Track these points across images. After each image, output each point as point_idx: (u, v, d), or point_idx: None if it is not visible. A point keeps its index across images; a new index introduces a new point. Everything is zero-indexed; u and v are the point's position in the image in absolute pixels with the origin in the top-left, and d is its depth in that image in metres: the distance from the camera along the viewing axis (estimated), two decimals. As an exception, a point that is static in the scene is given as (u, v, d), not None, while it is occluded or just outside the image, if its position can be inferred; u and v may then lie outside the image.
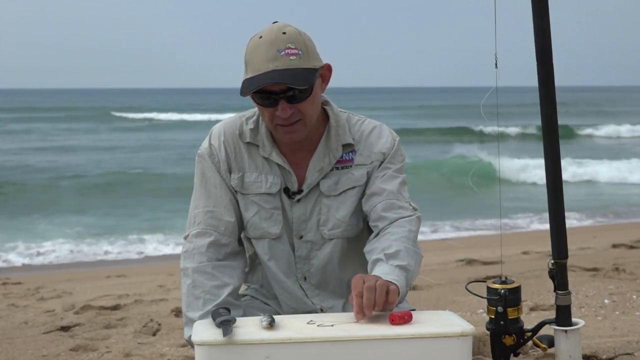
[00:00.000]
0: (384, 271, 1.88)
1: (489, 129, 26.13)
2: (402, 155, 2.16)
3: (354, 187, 2.11)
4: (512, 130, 27.58)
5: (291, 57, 1.91)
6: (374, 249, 1.99)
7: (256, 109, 2.14)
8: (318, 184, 2.10)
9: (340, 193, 2.11)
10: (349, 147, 2.12)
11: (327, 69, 2.04)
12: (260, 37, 1.95)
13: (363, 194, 2.12)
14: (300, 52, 1.93)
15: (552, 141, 2.20)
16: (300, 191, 2.10)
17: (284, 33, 1.93)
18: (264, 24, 2.02)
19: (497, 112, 2.21)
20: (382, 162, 2.11)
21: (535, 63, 2.17)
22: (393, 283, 1.81)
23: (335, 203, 2.11)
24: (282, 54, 1.90)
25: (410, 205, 2.10)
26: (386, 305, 1.75)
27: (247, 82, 1.94)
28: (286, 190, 2.10)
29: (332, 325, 1.72)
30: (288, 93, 1.93)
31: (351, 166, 2.11)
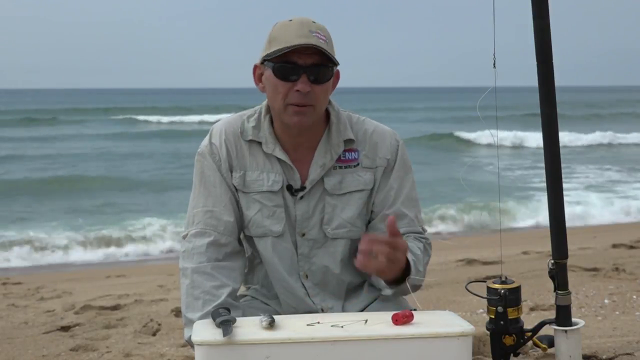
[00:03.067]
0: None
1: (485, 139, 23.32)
2: (409, 160, 2.19)
3: (362, 190, 2.12)
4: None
5: (321, 40, 1.97)
6: None
7: (256, 107, 2.15)
8: (322, 182, 2.11)
9: (345, 193, 2.11)
10: (350, 144, 2.12)
11: (337, 74, 2.09)
12: (290, 20, 2.02)
13: (370, 197, 2.14)
14: (327, 41, 2.00)
15: (552, 141, 2.20)
16: (303, 188, 2.11)
17: (314, 22, 2.01)
18: (270, 24, 2.10)
19: (496, 113, 2.21)
20: (386, 168, 2.13)
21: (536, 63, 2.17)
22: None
23: (340, 203, 2.11)
24: (313, 34, 1.96)
25: (424, 230, 2.20)
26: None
27: (275, 52, 1.97)
28: (289, 188, 2.11)
29: (332, 325, 1.72)
30: (311, 69, 1.97)
31: (356, 166, 2.12)
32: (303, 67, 1.96)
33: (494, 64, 2.13)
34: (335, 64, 2.02)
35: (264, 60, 2.03)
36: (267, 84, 2.04)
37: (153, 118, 38.78)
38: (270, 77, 2.01)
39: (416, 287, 2.05)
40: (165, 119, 38.49)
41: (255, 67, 2.08)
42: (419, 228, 2.17)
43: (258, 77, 2.08)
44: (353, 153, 2.12)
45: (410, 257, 1.97)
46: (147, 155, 21.48)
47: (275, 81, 2.00)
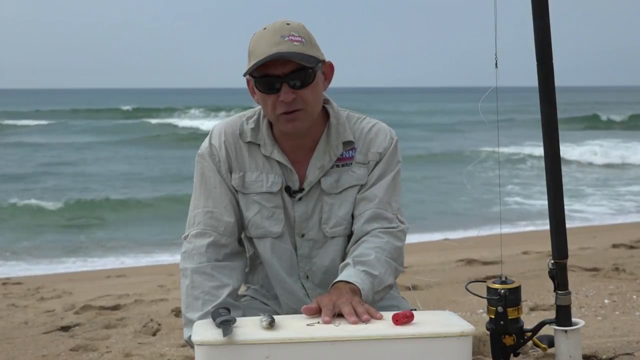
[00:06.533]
0: (348, 274, 1.92)
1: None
2: (399, 157, 2.16)
3: (355, 186, 2.11)
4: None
5: (295, 43, 1.94)
6: (348, 256, 2.04)
7: (256, 108, 2.15)
8: (319, 182, 2.10)
9: (342, 191, 2.11)
10: (349, 145, 2.12)
11: (330, 67, 2.07)
12: (264, 28, 1.99)
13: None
14: (303, 40, 1.96)
15: (552, 141, 2.20)
16: (301, 189, 2.11)
17: (288, 24, 1.98)
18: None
19: (497, 114, 2.21)
20: (377, 162, 2.12)
21: (536, 63, 2.17)
22: (352, 284, 1.86)
23: (337, 201, 2.11)
24: (285, 39, 1.94)
25: (397, 218, 2.11)
26: (363, 312, 1.76)
27: (252, 67, 1.96)
28: (287, 189, 2.11)
29: (332, 325, 1.72)
30: (290, 77, 1.94)
31: (351, 164, 2.11)
32: (281, 76, 1.95)
33: (496, 63, 2.13)
34: (317, 61, 1.99)
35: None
36: (258, 97, 2.04)
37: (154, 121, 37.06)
38: (257, 91, 2.02)
39: (388, 288, 2.01)
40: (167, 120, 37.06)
41: (248, 80, 2.07)
42: (388, 213, 2.08)
43: (252, 90, 2.07)
44: (350, 151, 2.12)
45: (358, 270, 1.92)
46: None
47: (261, 95, 2.01)
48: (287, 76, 1.94)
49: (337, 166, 2.11)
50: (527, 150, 20.90)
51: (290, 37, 1.94)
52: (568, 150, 19.53)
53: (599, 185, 14.65)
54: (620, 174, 16.90)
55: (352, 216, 2.13)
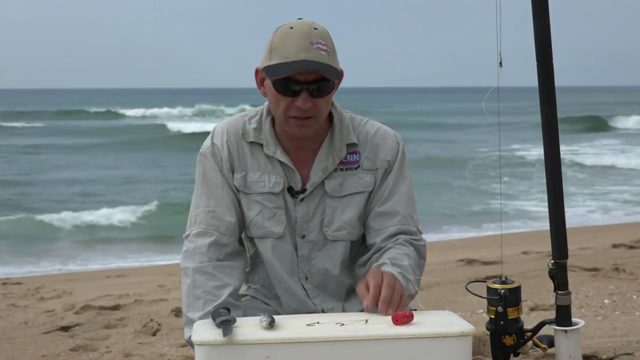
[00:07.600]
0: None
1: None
2: (408, 164, 2.17)
3: (362, 192, 2.11)
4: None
5: (322, 52, 1.94)
6: (379, 258, 2.05)
7: (258, 108, 2.15)
8: (322, 184, 2.10)
9: (346, 195, 2.11)
10: (353, 147, 2.12)
11: (340, 75, 2.06)
12: (291, 27, 1.97)
13: (369, 198, 2.13)
14: (329, 50, 1.97)
15: (552, 141, 2.20)
16: (303, 190, 2.10)
17: (315, 29, 1.97)
18: (265, 25, 2.04)
19: (498, 114, 2.21)
20: (386, 170, 2.12)
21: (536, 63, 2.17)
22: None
23: (341, 205, 2.11)
24: (314, 46, 1.93)
25: (418, 229, 2.15)
26: (398, 308, 1.80)
27: (275, 67, 1.95)
28: (290, 190, 2.10)
29: (332, 325, 1.72)
30: (312, 85, 1.95)
31: (357, 168, 2.11)
32: (304, 82, 1.94)
33: (500, 62, 2.13)
34: (338, 74, 1.99)
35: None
36: (268, 93, 2.03)
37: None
38: (271, 89, 2.00)
39: (410, 297, 2.02)
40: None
41: (257, 71, 2.05)
42: (412, 227, 2.13)
43: (260, 82, 2.06)
44: (355, 155, 2.12)
45: (395, 270, 1.94)
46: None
47: (275, 94, 1.99)
48: (309, 83, 1.94)
49: (341, 169, 2.11)
50: (519, 151, 20.86)
51: (318, 45, 1.93)
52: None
53: (584, 185, 14.62)
54: (609, 175, 16.84)
55: (364, 225, 2.14)
